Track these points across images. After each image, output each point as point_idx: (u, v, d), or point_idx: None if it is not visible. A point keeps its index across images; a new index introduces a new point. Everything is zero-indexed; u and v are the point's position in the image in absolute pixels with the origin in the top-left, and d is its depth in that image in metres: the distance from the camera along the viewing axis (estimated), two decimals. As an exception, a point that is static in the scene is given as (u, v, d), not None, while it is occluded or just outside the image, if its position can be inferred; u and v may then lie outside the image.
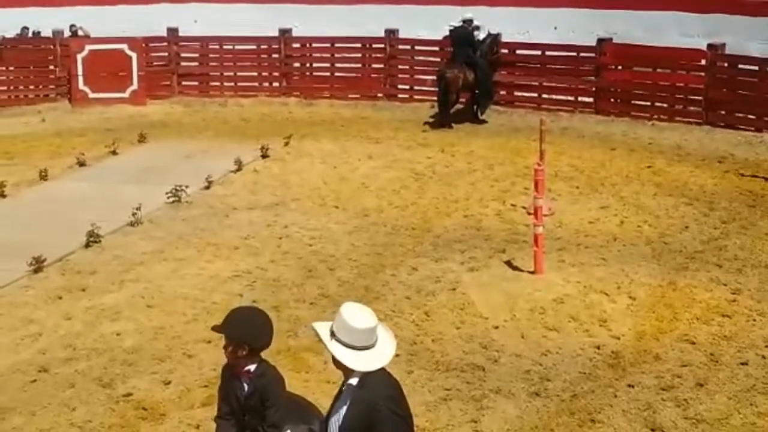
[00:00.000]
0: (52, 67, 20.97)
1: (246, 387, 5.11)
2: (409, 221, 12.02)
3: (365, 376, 4.37)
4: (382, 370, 4.43)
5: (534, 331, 8.61)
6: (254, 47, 21.41)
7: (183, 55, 21.58)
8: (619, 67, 18.65)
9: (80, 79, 20.48)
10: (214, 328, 5.12)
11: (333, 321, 4.46)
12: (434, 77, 18.74)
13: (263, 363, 5.12)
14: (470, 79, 18.18)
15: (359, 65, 21.03)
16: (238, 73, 21.33)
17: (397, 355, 7.84)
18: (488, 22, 19.02)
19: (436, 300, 9.35)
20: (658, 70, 18.15)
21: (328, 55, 21.16)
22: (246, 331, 5.01)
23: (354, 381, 4.39)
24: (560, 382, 7.64)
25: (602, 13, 20.05)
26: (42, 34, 21.65)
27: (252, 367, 5.07)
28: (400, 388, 4.55)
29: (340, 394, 4.52)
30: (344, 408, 4.45)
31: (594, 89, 18.62)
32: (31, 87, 21.02)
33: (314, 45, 21.32)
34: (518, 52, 19.48)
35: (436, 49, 19.87)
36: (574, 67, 18.90)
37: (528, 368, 7.88)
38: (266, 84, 21.38)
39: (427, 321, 8.86)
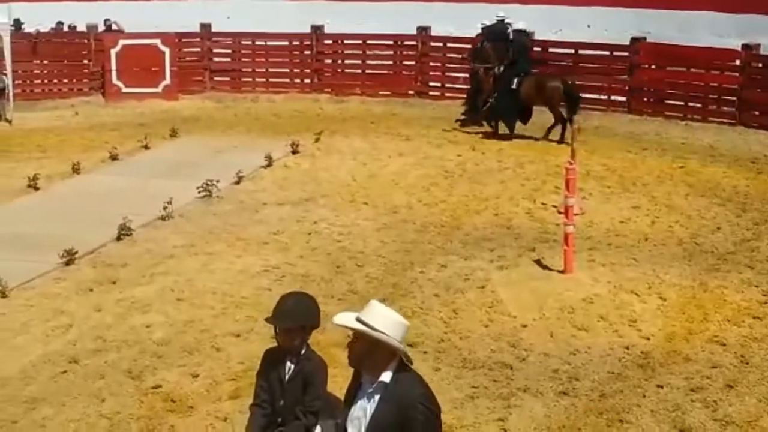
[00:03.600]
0: (85, 61, 21.14)
1: (291, 368, 5.18)
2: (439, 219, 12.00)
3: (397, 375, 4.38)
4: (412, 370, 4.45)
5: (563, 330, 8.57)
6: (286, 43, 21.47)
7: (215, 50, 21.67)
8: (653, 67, 18.57)
9: (114, 73, 20.63)
10: (269, 320, 5.13)
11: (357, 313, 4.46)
12: (466, 75, 18.68)
13: (310, 347, 5.23)
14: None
15: (391, 62, 21.07)
16: (270, 69, 21.41)
17: (424, 352, 7.95)
18: (521, 20, 18.95)
19: (464, 298, 9.32)
20: (692, 69, 18.02)
21: (360, 52, 21.18)
22: (305, 315, 5.12)
23: (386, 379, 4.39)
24: (589, 381, 7.60)
25: (636, 12, 19.99)
26: (76, 29, 21.84)
27: (302, 350, 5.18)
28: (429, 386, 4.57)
29: (360, 391, 4.50)
30: (373, 405, 4.43)
31: (627, 88, 18.54)
32: (65, 81, 21.20)
33: (346, 42, 21.36)
34: (551, 50, 19.40)
35: (469, 46, 19.81)
36: (607, 65, 18.85)
37: (556, 367, 7.84)
38: (298, 80, 21.44)
39: (455, 318, 8.84)
